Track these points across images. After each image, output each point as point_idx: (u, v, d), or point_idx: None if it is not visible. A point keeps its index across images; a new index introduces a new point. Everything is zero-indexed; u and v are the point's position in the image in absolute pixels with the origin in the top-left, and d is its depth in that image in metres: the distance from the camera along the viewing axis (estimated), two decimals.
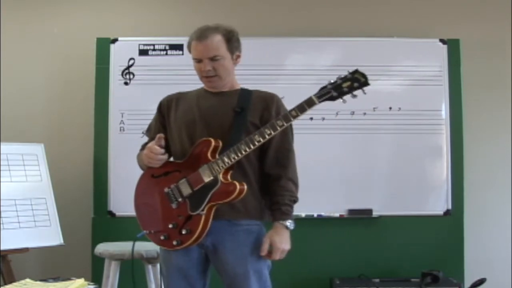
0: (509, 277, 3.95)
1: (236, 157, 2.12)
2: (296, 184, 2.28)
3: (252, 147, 2.12)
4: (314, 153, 3.83)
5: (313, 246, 3.86)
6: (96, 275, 3.47)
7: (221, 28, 2.26)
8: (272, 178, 2.26)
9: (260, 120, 2.24)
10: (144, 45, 3.91)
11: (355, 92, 2.07)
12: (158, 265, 3.09)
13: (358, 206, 3.86)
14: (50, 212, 3.51)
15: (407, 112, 3.89)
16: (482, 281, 3.63)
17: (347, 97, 2.08)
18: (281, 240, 2.21)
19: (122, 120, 3.85)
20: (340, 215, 3.87)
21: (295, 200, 2.27)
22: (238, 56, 2.32)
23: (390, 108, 3.90)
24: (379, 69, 3.86)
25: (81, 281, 2.27)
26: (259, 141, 2.12)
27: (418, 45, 3.95)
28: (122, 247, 3.11)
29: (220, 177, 2.14)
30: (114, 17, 4.13)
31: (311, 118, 3.81)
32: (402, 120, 3.89)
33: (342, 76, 2.07)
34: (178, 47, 3.83)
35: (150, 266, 3.17)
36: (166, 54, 3.90)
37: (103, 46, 3.88)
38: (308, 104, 2.07)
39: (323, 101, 2.07)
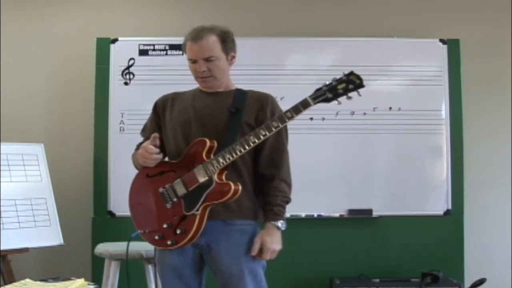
0: (509, 277, 3.95)
1: (231, 158, 2.13)
2: (289, 185, 2.29)
3: (247, 147, 2.12)
4: (314, 153, 3.83)
5: (313, 246, 3.87)
6: (96, 275, 3.47)
7: (216, 29, 2.26)
8: (265, 179, 2.27)
9: (255, 121, 2.25)
10: (144, 45, 3.91)
11: (350, 94, 2.07)
12: None
13: (358, 206, 3.86)
14: (50, 212, 3.51)
15: (407, 112, 3.89)
16: (482, 281, 3.63)
17: (342, 98, 2.08)
18: (272, 240, 2.21)
19: (122, 120, 3.85)
20: (340, 215, 3.87)
21: (287, 201, 2.28)
22: (233, 57, 2.32)
23: (390, 108, 3.90)
24: (379, 69, 3.86)
25: (81, 281, 2.27)
26: (254, 142, 2.12)
27: (418, 45, 3.95)
28: (122, 247, 3.09)
29: (215, 177, 2.14)
30: (114, 17, 4.13)
31: (311, 118, 3.81)
32: (402, 120, 3.89)
33: (337, 78, 2.08)
34: (178, 47, 3.80)
35: (150, 266, 3.17)
36: (166, 54, 3.90)
37: (103, 46, 3.88)
38: (303, 105, 2.08)
39: (318, 102, 2.08)
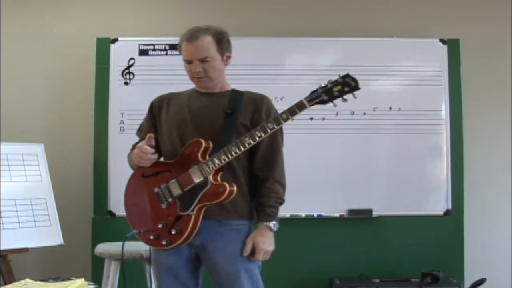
0: (509, 277, 3.95)
1: (226, 159, 2.14)
2: (283, 186, 2.29)
3: (242, 149, 2.13)
4: (314, 153, 3.84)
5: (313, 246, 3.87)
6: (96, 275, 3.47)
7: (211, 29, 2.26)
8: (259, 180, 2.27)
9: (250, 122, 2.25)
10: (144, 45, 3.91)
11: (346, 96, 2.07)
12: None
13: (358, 206, 3.86)
14: (50, 212, 3.51)
15: (407, 112, 3.89)
16: (482, 281, 3.63)
17: (338, 100, 2.09)
18: (264, 241, 2.22)
19: (122, 120, 3.85)
20: (340, 215, 3.87)
21: (281, 202, 2.28)
22: (229, 57, 2.31)
23: (390, 108, 3.90)
24: (379, 69, 3.86)
25: (81, 281, 2.27)
26: (249, 143, 2.13)
27: (418, 45, 3.94)
28: None
29: (210, 178, 2.15)
30: (114, 17, 4.13)
31: (311, 118, 3.81)
32: (402, 120, 3.88)
33: (333, 80, 2.08)
34: None
35: (150, 266, 3.17)
36: (166, 54, 3.90)
37: (103, 46, 3.88)
38: (298, 107, 2.09)
39: (313, 104, 2.09)
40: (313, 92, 2.09)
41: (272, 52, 3.91)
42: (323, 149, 3.86)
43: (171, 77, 3.72)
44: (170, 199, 2.20)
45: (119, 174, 3.74)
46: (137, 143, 2.37)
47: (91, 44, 3.88)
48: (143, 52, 3.91)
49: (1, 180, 3.37)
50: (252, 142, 2.13)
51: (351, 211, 3.86)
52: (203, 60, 2.22)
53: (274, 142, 2.29)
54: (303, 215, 3.82)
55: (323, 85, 2.09)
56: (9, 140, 3.61)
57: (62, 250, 3.54)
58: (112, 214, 3.82)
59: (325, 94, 2.07)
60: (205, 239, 2.23)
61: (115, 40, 3.90)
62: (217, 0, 4.14)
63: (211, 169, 2.14)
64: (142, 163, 2.26)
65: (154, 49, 3.91)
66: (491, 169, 4.07)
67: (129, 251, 2.94)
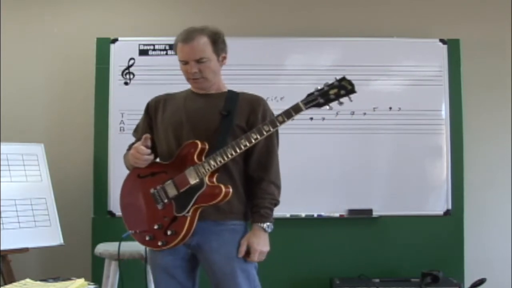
0: (509, 277, 3.95)
1: (222, 161, 2.14)
2: (278, 187, 2.29)
3: (238, 151, 2.13)
4: (314, 153, 3.84)
5: (313, 246, 3.87)
6: (96, 275, 3.47)
7: (207, 30, 2.26)
8: (254, 181, 2.27)
9: (246, 123, 2.25)
10: (144, 45, 3.91)
11: (342, 100, 2.08)
12: None
13: (358, 206, 3.86)
14: (50, 212, 3.51)
15: (407, 112, 3.89)
16: (482, 281, 3.62)
17: (334, 103, 2.10)
18: (259, 241, 2.22)
19: (122, 120, 3.85)
20: (340, 215, 3.87)
21: (276, 203, 2.28)
22: (224, 58, 2.32)
23: (390, 108, 3.90)
24: (379, 69, 3.86)
25: (81, 281, 2.27)
26: (245, 145, 2.13)
27: (418, 45, 3.94)
28: (123, 247, 3.09)
29: (206, 179, 2.15)
30: (114, 17, 4.13)
31: (311, 118, 3.81)
32: (402, 120, 3.88)
33: (329, 83, 2.09)
34: None
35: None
36: (166, 54, 3.90)
37: (103, 46, 3.88)
38: (295, 110, 2.09)
39: (309, 107, 2.09)
40: (309, 95, 2.10)
41: (272, 52, 3.91)
42: (323, 149, 3.86)
43: (171, 77, 3.70)
44: (166, 200, 2.20)
45: (119, 174, 3.71)
46: (133, 143, 2.37)
47: (91, 44, 3.88)
48: (143, 52, 3.91)
49: (1, 180, 3.37)
50: (248, 144, 2.13)
51: (351, 211, 3.86)
52: (199, 61, 2.23)
53: (270, 144, 2.29)
54: (303, 215, 3.82)
55: (319, 88, 2.09)
56: (9, 140, 3.61)
57: (62, 250, 3.54)
58: (112, 214, 3.82)
59: (321, 97, 2.08)
60: (201, 239, 2.23)
61: (115, 40, 3.91)
62: (217, 0, 4.14)
63: (207, 170, 2.15)
64: (138, 163, 2.26)
65: (154, 49, 3.91)
66: (491, 169, 4.07)
67: (128, 251, 2.94)
